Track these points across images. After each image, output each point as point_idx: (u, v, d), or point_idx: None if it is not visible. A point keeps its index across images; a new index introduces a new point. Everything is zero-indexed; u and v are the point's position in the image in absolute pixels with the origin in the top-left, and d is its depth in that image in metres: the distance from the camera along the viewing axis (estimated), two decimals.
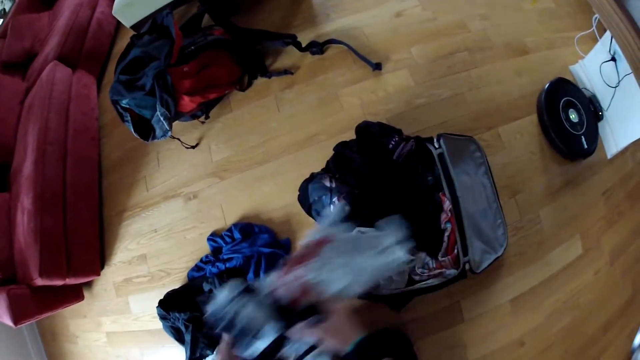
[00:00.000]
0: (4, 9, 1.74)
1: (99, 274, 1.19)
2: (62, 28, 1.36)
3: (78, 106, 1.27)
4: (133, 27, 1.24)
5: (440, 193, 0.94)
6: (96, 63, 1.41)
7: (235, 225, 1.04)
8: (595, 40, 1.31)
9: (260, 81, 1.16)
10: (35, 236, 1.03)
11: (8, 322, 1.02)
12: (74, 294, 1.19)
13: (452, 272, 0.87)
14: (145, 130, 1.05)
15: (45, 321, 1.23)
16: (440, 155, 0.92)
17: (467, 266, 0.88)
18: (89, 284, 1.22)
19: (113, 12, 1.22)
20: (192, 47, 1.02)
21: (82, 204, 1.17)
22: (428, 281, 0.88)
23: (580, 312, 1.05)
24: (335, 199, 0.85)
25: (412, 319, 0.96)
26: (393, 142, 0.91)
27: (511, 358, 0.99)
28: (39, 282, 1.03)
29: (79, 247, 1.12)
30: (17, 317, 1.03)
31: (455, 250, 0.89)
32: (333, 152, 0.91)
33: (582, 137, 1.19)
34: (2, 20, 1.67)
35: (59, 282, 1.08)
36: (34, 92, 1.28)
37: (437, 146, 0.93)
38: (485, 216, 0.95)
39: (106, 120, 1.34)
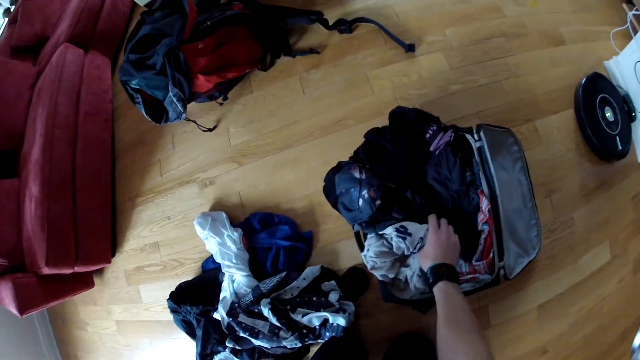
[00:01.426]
0: None
1: (109, 262, 1.04)
2: (73, 10, 1.19)
3: (90, 88, 1.10)
4: (147, 5, 1.06)
5: (478, 190, 0.76)
6: (110, 44, 1.24)
7: (253, 215, 0.88)
8: (629, 38, 1.12)
9: (283, 60, 0.97)
10: (42, 224, 0.90)
11: (14, 311, 0.90)
12: (84, 282, 1.05)
13: (486, 277, 0.72)
14: (159, 112, 0.87)
15: (56, 306, 1.10)
16: (480, 148, 0.75)
17: (501, 272, 0.71)
18: (100, 271, 1.08)
19: None
20: (208, 23, 0.83)
21: (93, 189, 1.02)
22: (460, 286, 0.72)
23: (602, 321, 0.92)
24: (365, 192, 0.68)
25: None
26: (431, 132, 0.73)
27: None
28: (46, 270, 0.90)
29: (88, 234, 0.98)
30: (23, 306, 0.90)
31: (491, 255, 0.72)
32: (364, 139, 0.74)
33: (617, 137, 1.02)
34: (14, 6, 1.48)
35: (66, 271, 0.95)
36: (44, 75, 1.12)
37: (476, 138, 0.75)
38: (521, 216, 0.79)
39: (120, 102, 1.17)
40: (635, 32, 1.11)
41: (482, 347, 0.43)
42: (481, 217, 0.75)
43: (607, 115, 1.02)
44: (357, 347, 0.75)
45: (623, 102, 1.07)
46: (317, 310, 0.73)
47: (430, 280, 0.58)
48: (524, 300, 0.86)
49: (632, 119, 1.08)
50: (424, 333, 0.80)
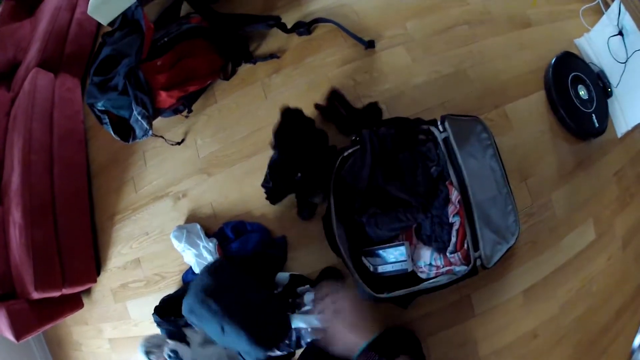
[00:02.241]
0: None
1: (95, 281, 1.05)
2: (41, 34, 1.18)
3: (62, 111, 1.11)
4: (111, 24, 1.05)
5: (447, 182, 0.76)
6: (79, 64, 1.24)
7: (226, 224, 0.88)
8: (601, 13, 1.10)
9: (244, 68, 0.97)
10: (28, 250, 0.91)
11: (10, 337, 0.92)
12: (73, 303, 1.06)
13: (462, 268, 0.71)
14: (126, 131, 0.88)
15: (51, 330, 1.11)
16: (446, 139, 0.74)
17: (478, 262, 0.70)
18: (87, 291, 1.09)
19: (88, 11, 1.02)
20: (166, 39, 0.84)
21: (73, 211, 1.02)
22: (436, 279, 0.72)
23: (593, 299, 0.91)
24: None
25: (420, 316, 0.81)
26: None
27: (524, 351, 0.85)
28: (36, 295, 0.91)
29: (72, 256, 0.98)
30: (19, 332, 0.91)
31: (465, 245, 0.71)
32: None
33: (593, 115, 1.00)
34: None
35: (55, 294, 0.96)
36: (17, 102, 1.12)
37: (441, 129, 0.75)
38: (495, 203, 0.78)
39: (92, 122, 1.17)
40: (607, 7, 1.08)
41: None
42: (451, 209, 0.74)
43: (580, 93, 1.01)
44: None
45: (597, 79, 1.05)
46: (292, 312, 0.73)
47: None
48: (508, 286, 0.85)
49: (608, 94, 1.06)
50: (407, 326, 0.80)
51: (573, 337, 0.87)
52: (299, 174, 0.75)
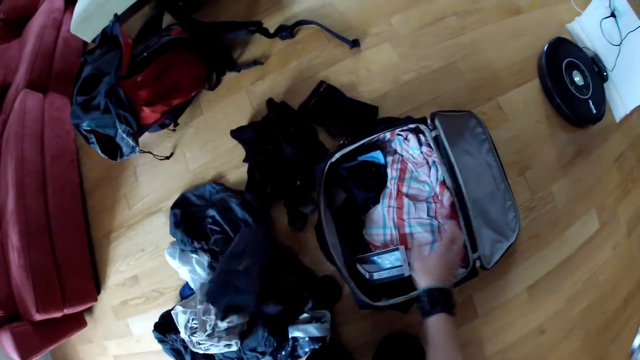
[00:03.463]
0: None
1: (96, 300, 1.02)
2: (28, 54, 1.16)
3: (53, 131, 1.08)
4: (95, 40, 1.02)
5: (438, 182, 0.71)
6: (68, 83, 1.20)
7: None
8: None
9: (229, 77, 0.93)
10: (27, 273, 0.89)
11: (17, 359, 0.90)
12: (77, 322, 1.04)
13: (461, 271, 0.67)
14: (115, 149, 0.84)
15: (58, 349, 1.10)
16: (437, 137, 0.69)
17: (477, 263, 0.66)
18: (89, 310, 1.06)
19: (71, 30, 1.00)
20: (145, 54, 0.80)
21: (69, 230, 1.00)
22: None
23: (600, 289, 0.86)
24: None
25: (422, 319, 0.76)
26: None
27: (531, 348, 0.81)
28: (38, 317, 0.90)
29: (71, 276, 0.96)
30: (24, 354, 0.90)
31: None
32: None
33: (590, 101, 0.94)
34: None
35: (57, 314, 0.94)
36: (9, 125, 1.10)
37: (431, 127, 0.70)
38: (494, 200, 0.73)
39: (83, 141, 1.13)
40: None
41: None
42: (444, 212, 0.70)
43: (575, 79, 0.95)
44: (343, 356, 0.71)
45: (592, 64, 1.00)
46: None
47: (426, 308, 0.47)
48: (511, 284, 0.80)
49: (604, 79, 1.00)
50: (408, 331, 0.76)
51: (581, 329, 0.83)
52: (298, 182, 0.71)
